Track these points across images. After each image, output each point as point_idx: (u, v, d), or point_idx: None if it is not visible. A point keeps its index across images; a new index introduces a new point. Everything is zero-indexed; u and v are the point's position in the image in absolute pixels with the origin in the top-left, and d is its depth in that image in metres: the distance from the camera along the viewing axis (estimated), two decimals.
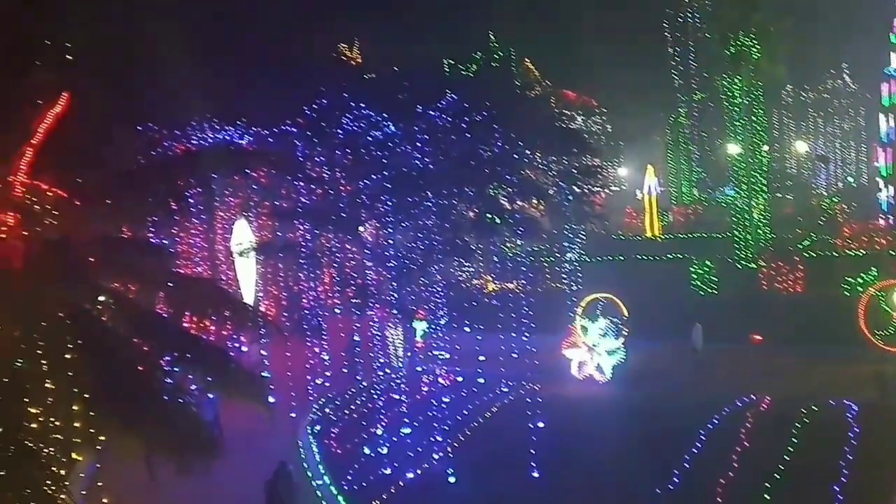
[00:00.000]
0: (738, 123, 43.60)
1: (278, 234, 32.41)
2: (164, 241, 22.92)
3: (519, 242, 35.40)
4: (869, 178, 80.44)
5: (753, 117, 43.35)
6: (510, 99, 34.76)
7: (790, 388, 28.11)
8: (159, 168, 18.52)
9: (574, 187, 34.93)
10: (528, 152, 33.10)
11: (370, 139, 29.42)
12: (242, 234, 32.91)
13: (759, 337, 35.40)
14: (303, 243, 30.16)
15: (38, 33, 12.63)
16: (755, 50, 41.98)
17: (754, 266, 40.19)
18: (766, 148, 45.72)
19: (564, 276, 37.76)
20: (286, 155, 28.14)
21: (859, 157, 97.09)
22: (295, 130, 29.20)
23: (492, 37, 56.42)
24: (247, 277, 33.69)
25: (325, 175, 29.98)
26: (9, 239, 11.88)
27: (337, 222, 29.48)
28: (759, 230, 43.12)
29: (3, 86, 12.15)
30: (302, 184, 29.13)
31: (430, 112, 29.60)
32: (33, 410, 10.85)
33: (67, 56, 12.90)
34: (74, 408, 11.09)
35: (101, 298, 12.77)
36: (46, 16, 12.77)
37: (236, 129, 28.90)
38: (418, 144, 29.40)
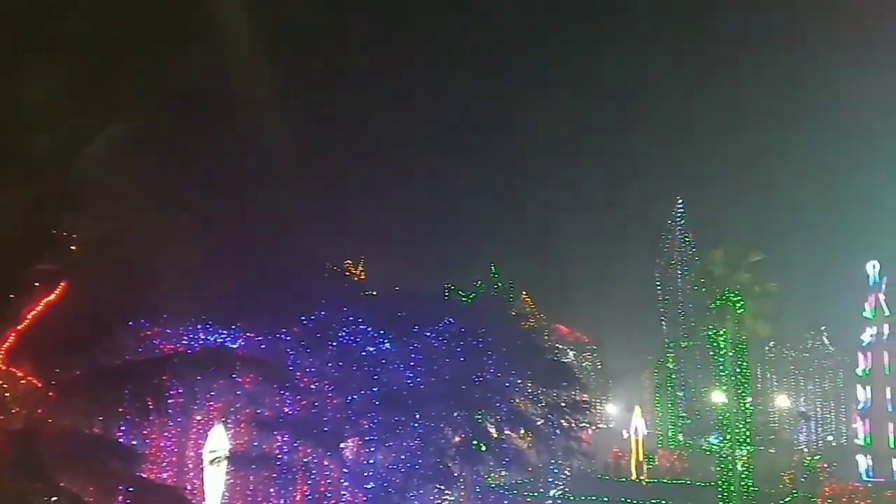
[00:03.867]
0: (723, 373, 44.08)
1: (255, 443, 30.99)
2: (133, 442, 21.78)
3: (503, 473, 34.09)
4: (848, 439, 79.89)
5: (738, 369, 43.92)
6: (506, 328, 34.96)
7: None
8: (142, 366, 17.96)
9: (562, 421, 34.43)
10: (520, 382, 32.87)
11: (364, 354, 29.08)
12: (217, 441, 31.44)
13: None
14: (279, 455, 28.78)
15: (47, 224, 12.71)
16: (739, 306, 43.21)
17: None
18: (749, 400, 45.92)
19: None
20: (277, 363, 27.62)
21: (839, 418, 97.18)
22: (289, 339, 28.88)
23: (493, 267, 58.36)
24: (214, 488, 31.70)
25: (312, 386, 29.25)
26: None
27: (318, 436, 28.35)
28: (742, 481, 42.30)
29: (7, 273, 12.02)
30: (288, 393, 28.34)
31: (427, 333, 29.58)
32: None
33: (72, 247, 12.90)
34: None
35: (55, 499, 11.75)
36: (56, 207, 12.93)
37: (230, 332, 28.58)
38: (412, 363, 29.09)
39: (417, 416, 28.61)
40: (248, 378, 26.69)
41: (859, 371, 51.34)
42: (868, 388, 50.32)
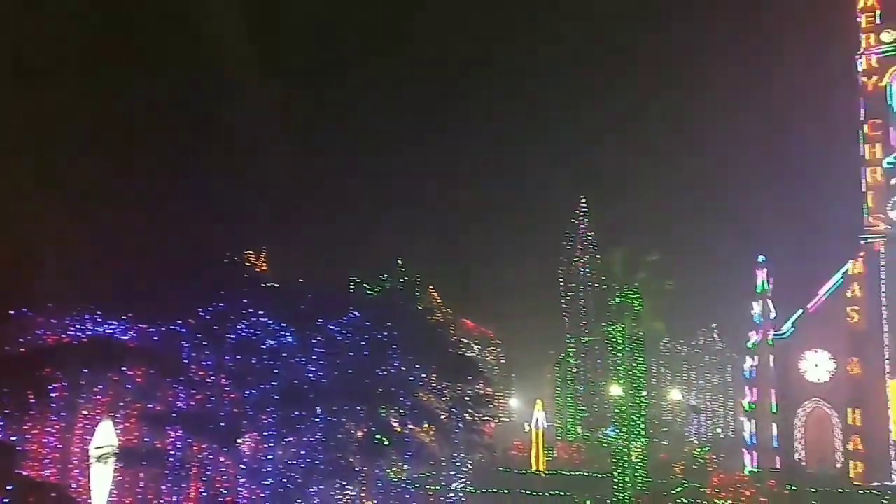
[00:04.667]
0: (620, 368, 45.42)
1: (146, 439, 29.68)
2: (13, 439, 20.43)
3: (405, 467, 33.87)
4: (736, 431, 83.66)
5: (634, 364, 45.29)
6: (411, 322, 34.73)
7: None
8: (23, 358, 16.82)
9: (466, 415, 34.47)
10: (424, 376, 32.69)
11: (264, 347, 28.24)
12: (105, 438, 29.93)
13: None
14: (171, 452, 27.64)
15: None
16: (637, 303, 44.58)
17: None
18: (644, 394, 47.43)
19: None
20: (170, 355, 26.50)
21: (727, 411, 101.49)
22: (184, 330, 27.75)
23: (399, 261, 58.19)
24: (101, 486, 30.19)
25: (209, 380, 28.21)
26: None
27: (214, 431, 27.35)
28: (636, 473, 43.67)
29: None
30: (182, 387, 27.23)
31: (331, 326, 29.02)
32: None
33: None
34: None
35: None
36: None
37: (120, 323, 27.25)
38: (314, 357, 28.45)
39: (319, 411, 28.05)
40: (139, 371, 25.56)
41: (746, 373, 53.53)
42: (755, 389, 52.57)
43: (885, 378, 46.95)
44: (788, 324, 52.36)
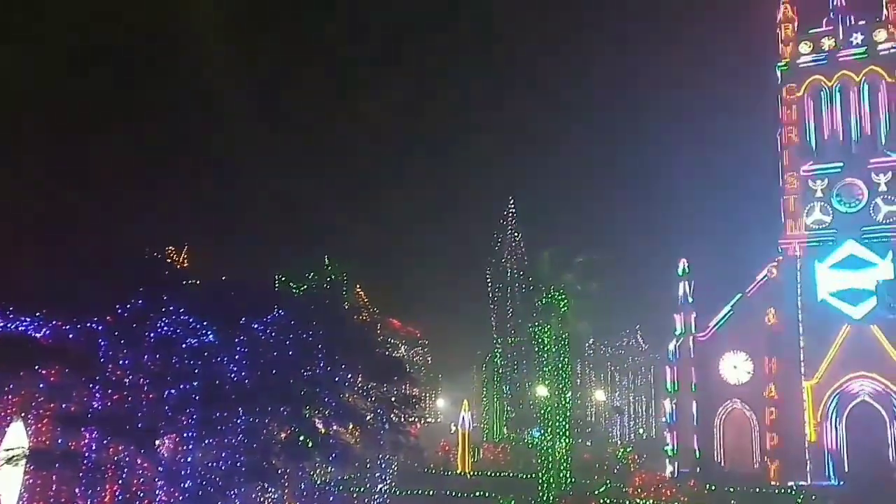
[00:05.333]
0: (546, 369, 45.94)
1: (59, 441, 28.58)
2: None
3: (330, 469, 33.55)
4: (657, 432, 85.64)
5: (560, 364, 45.92)
6: (338, 322, 34.43)
7: None
8: None
9: (391, 416, 34.39)
10: (350, 376, 32.48)
11: (184, 346, 27.52)
12: (15, 439, 28.69)
13: None
14: (86, 454, 26.69)
15: None
16: (563, 304, 45.24)
17: None
18: (569, 394, 48.15)
19: None
20: (86, 354, 25.58)
21: (649, 412, 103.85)
22: (101, 328, 26.81)
23: (326, 260, 57.54)
24: (10, 489, 28.96)
25: (126, 380, 27.33)
26: None
27: (131, 432, 26.53)
28: (560, 473, 44.27)
29: None
30: (98, 387, 26.31)
31: (254, 325, 28.49)
32: None
33: None
34: None
35: None
36: None
37: (33, 320, 26.18)
38: (236, 356, 27.88)
39: (241, 412, 27.52)
40: (53, 370, 24.58)
41: (667, 385, 54.55)
42: (674, 401, 53.59)
43: (801, 379, 48.59)
44: (709, 325, 53.75)
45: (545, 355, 46.21)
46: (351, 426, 33.16)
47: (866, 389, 47.28)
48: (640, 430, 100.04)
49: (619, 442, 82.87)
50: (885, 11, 50.59)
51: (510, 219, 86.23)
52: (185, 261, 45.28)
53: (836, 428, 47.78)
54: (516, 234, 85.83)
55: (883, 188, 48.78)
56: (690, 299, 53.75)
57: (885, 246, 48.10)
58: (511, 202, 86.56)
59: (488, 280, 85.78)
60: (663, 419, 57.48)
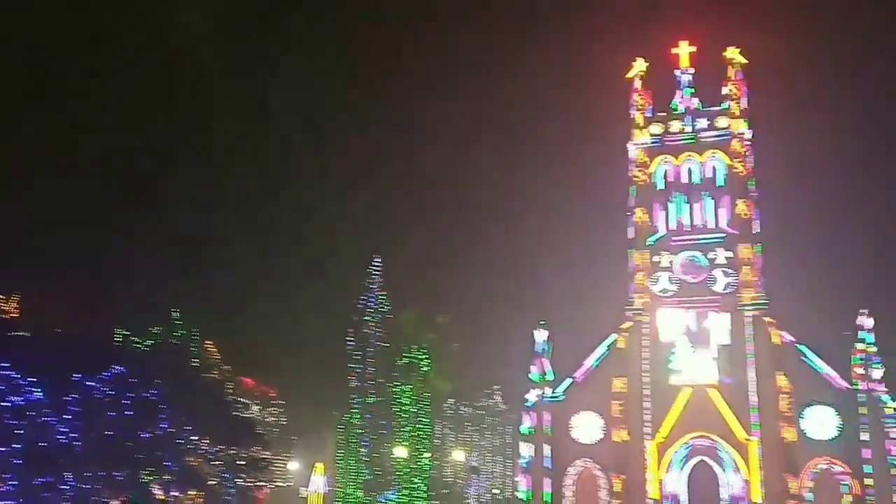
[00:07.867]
0: (405, 429, 45.34)
1: None
2: None
3: None
4: (511, 492, 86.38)
5: (419, 424, 45.47)
6: (184, 380, 32.61)
7: None
8: None
9: (238, 480, 32.76)
10: (195, 438, 30.67)
11: (7, 404, 25.13)
12: None
13: None
14: None
15: None
16: (425, 363, 45.15)
17: None
18: (428, 455, 47.69)
19: None
20: None
21: (505, 472, 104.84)
22: None
23: (175, 314, 54.87)
24: None
25: None
26: None
27: None
28: None
29: None
30: None
31: (89, 382, 26.45)
32: None
33: None
34: None
35: None
36: None
37: None
38: (67, 417, 25.67)
39: (70, 477, 25.20)
40: None
41: (523, 429, 55.34)
42: (531, 445, 54.31)
43: (645, 440, 50.25)
44: (561, 387, 54.95)
45: (405, 415, 45.75)
46: (194, 491, 31.19)
47: (704, 446, 49.51)
48: (496, 491, 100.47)
49: (473, 503, 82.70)
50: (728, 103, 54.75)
51: (375, 277, 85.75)
52: (16, 310, 41.87)
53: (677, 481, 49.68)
54: (382, 292, 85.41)
55: (721, 261, 52.12)
56: (549, 350, 54.90)
57: (724, 316, 51.08)
58: (377, 261, 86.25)
59: (350, 339, 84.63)
60: (519, 470, 57.83)
